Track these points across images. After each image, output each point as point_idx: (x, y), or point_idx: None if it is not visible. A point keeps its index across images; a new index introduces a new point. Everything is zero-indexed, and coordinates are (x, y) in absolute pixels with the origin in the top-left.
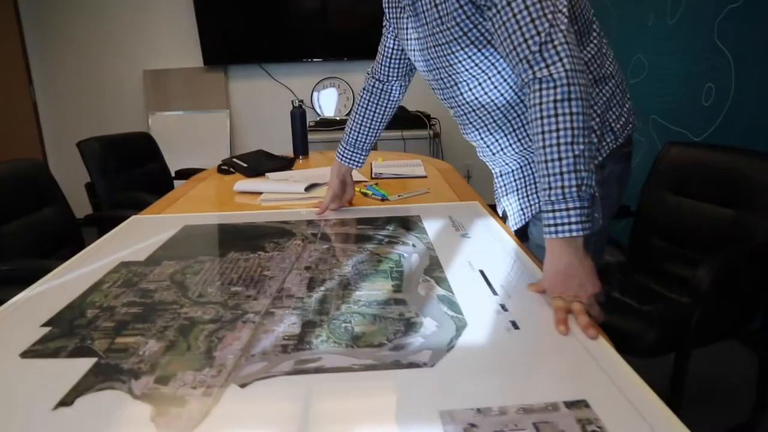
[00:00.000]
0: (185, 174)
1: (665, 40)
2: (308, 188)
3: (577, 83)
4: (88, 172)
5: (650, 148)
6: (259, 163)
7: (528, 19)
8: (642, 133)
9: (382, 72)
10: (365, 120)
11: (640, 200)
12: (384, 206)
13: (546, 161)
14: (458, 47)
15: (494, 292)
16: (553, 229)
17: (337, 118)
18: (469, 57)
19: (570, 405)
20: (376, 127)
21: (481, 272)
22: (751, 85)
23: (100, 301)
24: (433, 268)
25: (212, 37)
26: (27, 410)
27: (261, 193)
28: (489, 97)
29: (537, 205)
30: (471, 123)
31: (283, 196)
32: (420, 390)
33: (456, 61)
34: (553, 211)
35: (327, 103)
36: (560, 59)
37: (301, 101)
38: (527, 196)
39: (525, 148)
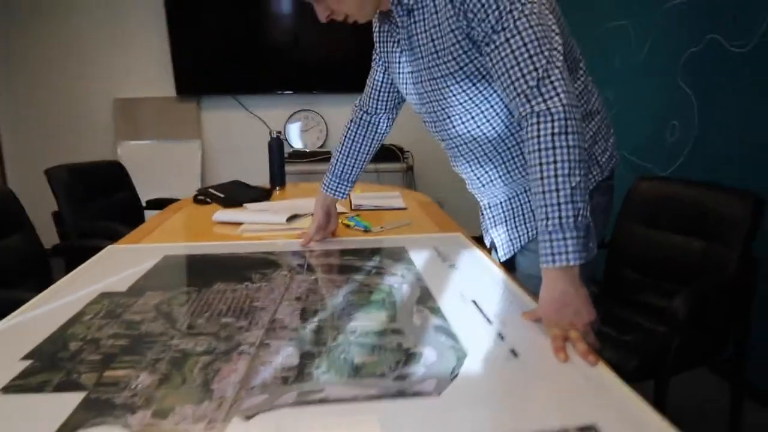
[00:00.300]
0: (157, 204)
1: (631, 81)
2: (290, 219)
3: (573, 117)
4: (56, 200)
5: (620, 183)
6: (236, 194)
7: (526, 55)
8: None
9: (370, 105)
10: (351, 152)
11: (612, 233)
12: (367, 237)
13: (543, 192)
14: (453, 81)
15: (489, 321)
16: (550, 258)
17: (309, 151)
18: (464, 91)
19: (580, 430)
20: (363, 159)
21: (474, 302)
22: (713, 123)
23: (82, 333)
24: (426, 299)
25: (186, 67)
26: None
27: (241, 223)
28: (481, 130)
29: (526, 236)
30: (462, 155)
31: (264, 226)
32: (428, 419)
33: (450, 94)
34: (551, 240)
35: (300, 135)
36: (557, 94)
37: (279, 132)
38: (516, 227)
39: (514, 180)
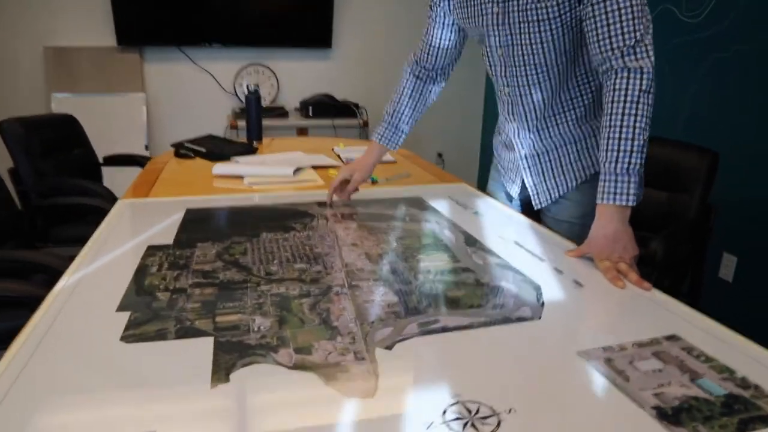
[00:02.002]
0: (115, 161)
1: None
2: (295, 171)
3: (654, 82)
4: (11, 156)
5: None
6: (221, 148)
7: (630, 16)
8: None
9: (429, 61)
10: (411, 102)
11: None
12: (377, 188)
13: (620, 138)
14: (548, 27)
15: (540, 259)
16: (611, 196)
17: (263, 106)
18: (557, 38)
19: (667, 339)
20: (420, 111)
21: (516, 243)
22: (670, 86)
23: (162, 284)
24: (473, 241)
25: (127, 15)
26: (186, 389)
27: (240, 177)
28: (556, 78)
29: (565, 186)
30: (523, 103)
31: (271, 179)
32: (543, 338)
33: (540, 39)
34: (616, 181)
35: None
36: (649, 57)
37: (257, 86)
38: (554, 177)
39: (568, 131)
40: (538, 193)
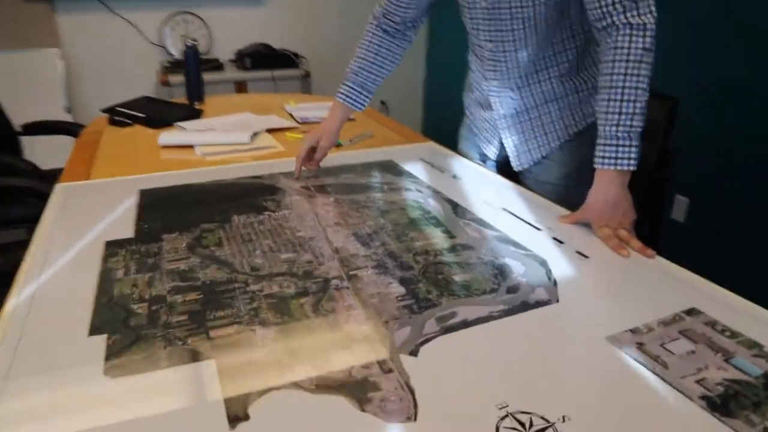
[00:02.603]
0: (37, 129)
1: None
2: (251, 137)
3: (655, 39)
4: None
5: None
6: (161, 112)
7: None
8: None
9: (397, 13)
10: (378, 59)
11: None
12: (342, 152)
13: (622, 100)
14: None
15: (537, 228)
16: (612, 161)
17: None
18: None
19: (688, 313)
20: (388, 69)
21: (505, 210)
22: None
23: (135, 293)
24: (462, 212)
25: None
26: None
27: (190, 146)
28: (545, 34)
29: (547, 147)
30: (507, 60)
31: (226, 147)
32: (566, 323)
33: None
34: (617, 145)
35: (178, 42)
36: (651, 12)
37: (195, 40)
38: (535, 137)
39: (550, 89)
40: (518, 154)
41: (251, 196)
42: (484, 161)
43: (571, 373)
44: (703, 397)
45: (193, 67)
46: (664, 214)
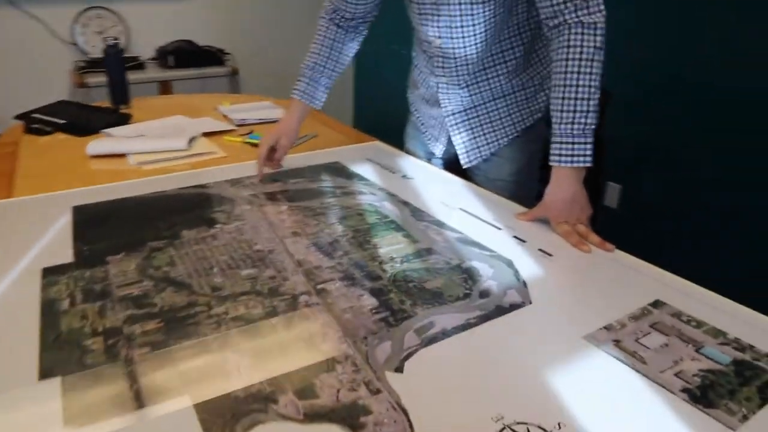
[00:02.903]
0: None
1: None
2: (189, 142)
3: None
4: None
5: None
6: (85, 118)
7: None
8: None
9: (348, 9)
10: (333, 54)
11: None
12: (287, 155)
13: (576, 98)
14: None
15: (496, 227)
16: (568, 158)
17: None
18: None
19: (654, 305)
20: (343, 64)
21: (462, 210)
22: None
23: (86, 326)
24: (420, 214)
25: None
26: None
27: (122, 155)
28: (494, 30)
29: (496, 143)
30: (456, 57)
31: (162, 155)
32: (542, 324)
33: None
34: (573, 143)
35: (93, 39)
36: (601, 11)
37: (116, 38)
38: (483, 134)
39: (498, 85)
40: (467, 151)
41: (198, 207)
42: (430, 159)
43: (557, 376)
44: (684, 390)
45: (116, 68)
46: (599, 201)
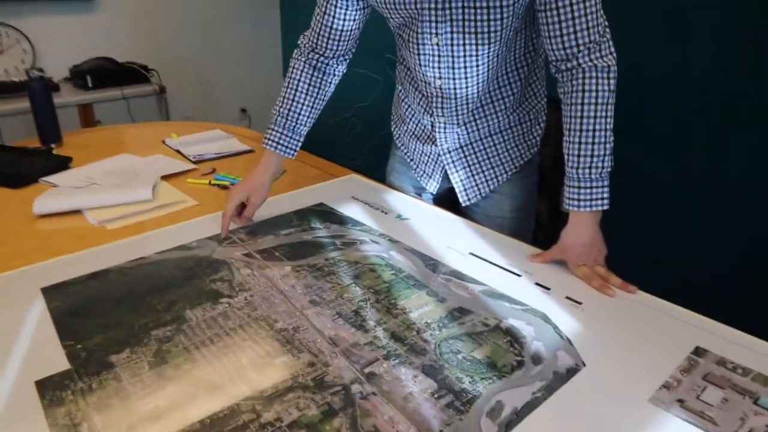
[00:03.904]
0: None
1: None
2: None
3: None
4: None
5: (386, 84)
6: (17, 164)
7: (593, 10)
8: (378, 71)
9: (327, 47)
10: (308, 99)
11: None
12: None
13: (594, 143)
14: (498, 15)
15: (515, 274)
16: (588, 203)
17: (12, 81)
18: (506, 27)
19: (697, 354)
20: (319, 108)
21: (473, 254)
22: None
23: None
24: (433, 264)
25: None
26: None
27: (76, 211)
28: (497, 66)
29: (495, 181)
30: (456, 95)
31: (126, 209)
32: (605, 390)
33: (490, 28)
34: (591, 187)
35: None
36: (612, 54)
37: (41, 69)
38: (482, 171)
39: (496, 120)
40: (465, 189)
41: (192, 277)
42: (419, 194)
43: None
44: None
45: (43, 103)
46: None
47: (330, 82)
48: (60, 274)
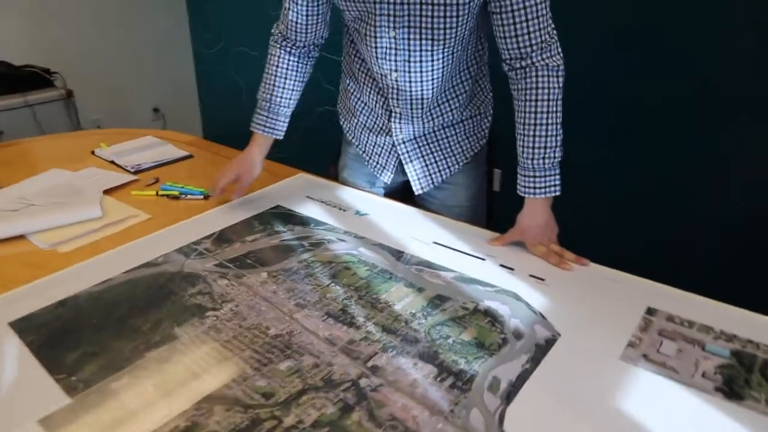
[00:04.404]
0: None
1: None
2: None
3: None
4: None
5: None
6: None
7: (544, 12)
8: None
9: (298, 38)
10: (288, 82)
11: None
12: (218, 206)
13: (546, 135)
14: (455, 12)
15: (480, 258)
16: (542, 190)
17: None
18: (462, 24)
19: (650, 313)
20: (299, 90)
21: (437, 243)
22: None
23: None
24: (403, 256)
25: None
26: None
27: (21, 236)
28: (452, 60)
29: (447, 171)
30: (416, 90)
31: (76, 230)
32: (583, 354)
33: (446, 25)
34: (545, 175)
35: None
36: (560, 54)
37: None
38: (435, 162)
39: (450, 110)
40: (419, 179)
41: (170, 294)
42: (370, 187)
43: (629, 403)
44: (718, 390)
45: None
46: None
47: (306, 64)
48: (24, 306)
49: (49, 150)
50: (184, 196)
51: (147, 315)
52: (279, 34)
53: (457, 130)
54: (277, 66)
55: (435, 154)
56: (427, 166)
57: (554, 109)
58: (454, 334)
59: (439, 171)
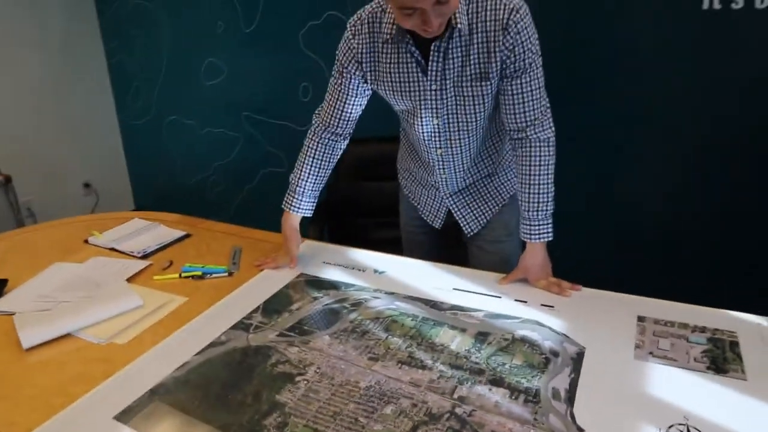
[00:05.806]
0: None
1: (244, 46)
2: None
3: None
4: None
5: (246, 141)
6: None
7: (537, 94)
8: (237, 129)
9: (340, 126)
10: (320, 170)
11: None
12: (246, 284)
13: (542, 193)
14: (482, 101)
15: (495, 296)
16: (540, 236)
17: None
18: (488, 107)
19: (641, 320)
20: (327, 176)
21: (457, 289)
22: None
23: None
24: (436, 304)
25: None
26: None
27: (65, 335)
28: (483, 126)
29: (491, 212)
30: (457, 161)
31: (124, 321)
32: (607, 358)
33: (476, 103)
34: (539, 224)
35: None
36: (551, 128)
37: None
38: (479, 207)
39: (491, 164)
40: (468, 222)
41: (253, 367)
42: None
43: (653, 388)
44: (708, 368)
45: None
46: None
47: (336, 155)
48: (118, 400)
49: (42, 242)
50: (208, 275)
51: (242, 389)
52: (320, 125)
53: (493, 180)
54: (313, 157)
55: (478, 201)
56: (472, 211)
57: (545, 172)
58: (507, 360)
59: (484, 213)
